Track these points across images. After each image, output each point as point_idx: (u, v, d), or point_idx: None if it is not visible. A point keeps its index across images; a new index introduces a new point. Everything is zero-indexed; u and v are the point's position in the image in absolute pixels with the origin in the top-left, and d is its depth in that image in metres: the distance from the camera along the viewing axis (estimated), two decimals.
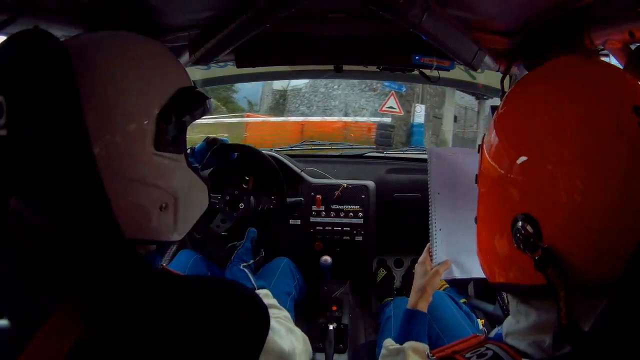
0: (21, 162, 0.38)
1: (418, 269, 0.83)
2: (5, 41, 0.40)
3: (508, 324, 0.47)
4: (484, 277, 0.84)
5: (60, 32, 0.62)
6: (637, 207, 0.35)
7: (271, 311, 0.72)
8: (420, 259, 0.83)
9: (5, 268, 0.42)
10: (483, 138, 0.50)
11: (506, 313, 1.22)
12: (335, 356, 1.13)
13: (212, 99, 0.55)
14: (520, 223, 0.40)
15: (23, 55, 0.38)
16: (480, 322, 1.10)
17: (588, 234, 0.37)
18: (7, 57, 0.39)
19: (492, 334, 0.60)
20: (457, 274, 0.80)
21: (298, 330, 0.65)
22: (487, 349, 0.43)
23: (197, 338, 0.42)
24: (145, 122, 0.45)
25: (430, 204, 0.80)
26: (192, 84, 0.53)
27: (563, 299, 0.36)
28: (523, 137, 0.42)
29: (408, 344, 0.74)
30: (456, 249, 0.80)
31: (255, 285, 0.87)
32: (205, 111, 0.53)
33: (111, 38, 0.48)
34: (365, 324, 1.42)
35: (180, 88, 0.49)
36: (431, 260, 0.81)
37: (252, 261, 0.97)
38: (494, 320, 1.21)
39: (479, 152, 0.50)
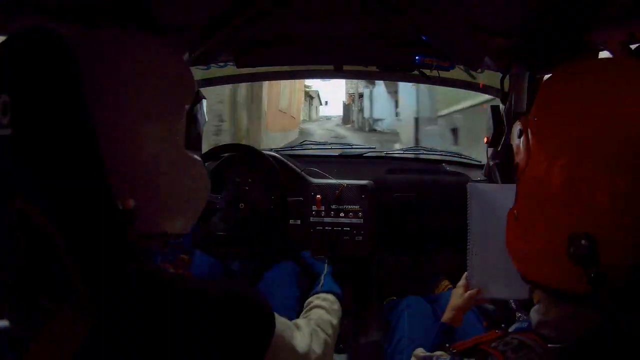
0: (26, 161, 0.38)
1: (456, 291, 0.94)
2: (8, 39, 0.39)
3: (538, 314, 0.47)
4: (507, 299, 0.90)
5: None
6: None
7: (313, 311, 0.79)
8: (460, 283, 0.94)
9: (6, 268, 0.42)
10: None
11: (506, 314, 1.22)
12: (335, 356, 1.13)
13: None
14: (580, 241, 0.39)
15: (27, 52, 0.38)
16: (484, 324, 1.11)
17: None
18: (11, 54, 0.39)
19: (512, 329, 0.61)
20: (487, 296, 0.90)
21: (324, 336, 0.68)
22: (513, 338, 0.43)
23: (198, 341, 0.42)
24: (179, 121, 0.48)
25: (468, 232, 0.90)
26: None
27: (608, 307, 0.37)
28: (574, 153, 0.41)
29: (439, 353, 0.76)
30: (488, 272, 0.89)
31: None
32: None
33: (138, 39, 0.49)
34: (365, 324, 1.42)
35: (197, 90, 0.51)
36: (468, 282, 0.91)
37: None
38: (494, 321, 1.21)
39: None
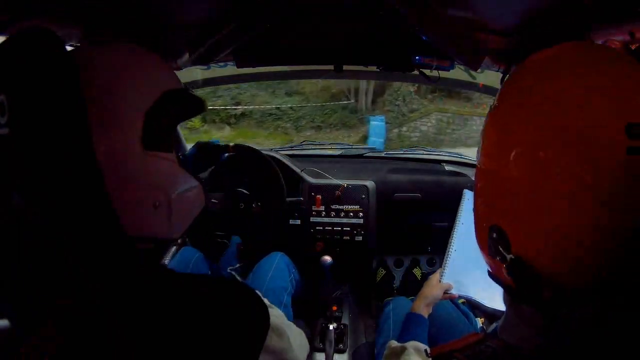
0: (23, 160, 0.38)
1: (431, 280, 0.98)
2: (7, 39, 0.40)
3: (502, 319, 0.49)
4: (476, 299, 0.91)
5: (59, 33, 0.62)
6: (607, 226, 0.34)
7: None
8: (434, 274, 0.98)
9: (5, 267, 0.42)
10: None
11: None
12: (335, 356, 1.13)
13: (203, 100, 0.57)
14: (493, 234, 0.42)
15: (25, 53, 0.38)
16: (479, 320, 1.11)
17: (554, 249, 0.37)
18: (9, 55, 0.39)
19: (490, 329, 0.61)
20: (455, 292, 0.95)
21: (293, 326, 0.67)
22: (487, 346, 0.43)
23: (196, 337, 0.42)
24: (134, 123, 0.47)
25: (452, 230, 0.95)
26: (182, 87, 0.54)
27: (539, 300, 0.38)
28: (497, 147, 0.41)
29: (411, 343, 0.76)
30: (462, 270, 0.94)
31: None
32: (191, 112, 0.56)
33: (103, 48, 0.49)
34: (365, 324, 1.42)
35: (165, 91, 0.50)
36: (441, 275, 0.95)
37: (237, 265, 1.05)
38: (493, 319, 1.21)
39: None
